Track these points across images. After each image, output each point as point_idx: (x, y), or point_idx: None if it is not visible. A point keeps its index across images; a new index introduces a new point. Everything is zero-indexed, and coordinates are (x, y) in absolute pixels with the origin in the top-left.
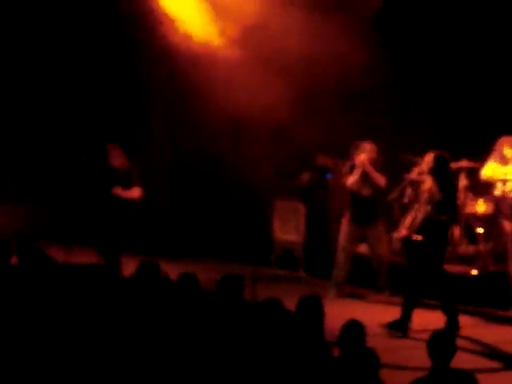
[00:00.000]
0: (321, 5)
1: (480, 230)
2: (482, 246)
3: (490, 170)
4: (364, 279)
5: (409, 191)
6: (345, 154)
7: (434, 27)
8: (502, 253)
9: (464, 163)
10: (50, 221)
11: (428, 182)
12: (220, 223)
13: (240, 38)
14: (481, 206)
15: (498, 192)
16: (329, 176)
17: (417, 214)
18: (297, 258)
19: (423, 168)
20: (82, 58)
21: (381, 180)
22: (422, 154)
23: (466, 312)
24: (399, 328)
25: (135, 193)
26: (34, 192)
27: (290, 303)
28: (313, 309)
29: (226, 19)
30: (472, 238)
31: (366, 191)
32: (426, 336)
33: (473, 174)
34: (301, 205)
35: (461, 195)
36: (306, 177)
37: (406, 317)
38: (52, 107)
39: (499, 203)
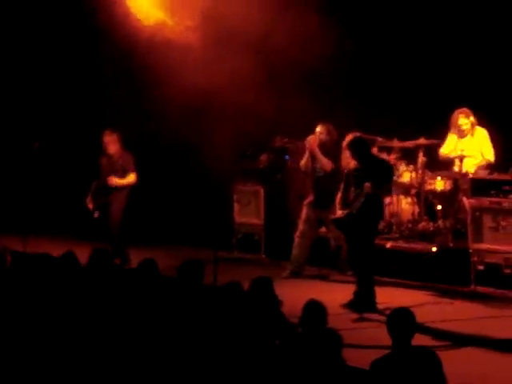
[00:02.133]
0: None
1: (439, 207)
2: (441, 223)
3: (448, 146)
4: (327, 260)
5: None
6: (302, 134)
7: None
8: (461, 229)
9: (422, 141)
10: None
11: (352, 163)
12: (179, 208)
13: (197, 21)
14: (439, 184)
15: (456, 169)
16: (287, 157)
17: (345, 194)
18: (257, 241)
19: (344, 149)
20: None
21: (326, 163)
22: (377, 133)
23: (426, 288)
24: (361, 306)
25: (130, 179)
26: None
27: None
28: (264, 290)
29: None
30: (432, 214)
31: (318, 173)
32: (375, 315)
33: (431, 151)
34: (260, 187)
35: (419, 173)
36: (264, 159)
37: (366, 293)
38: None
39: (458, 180)
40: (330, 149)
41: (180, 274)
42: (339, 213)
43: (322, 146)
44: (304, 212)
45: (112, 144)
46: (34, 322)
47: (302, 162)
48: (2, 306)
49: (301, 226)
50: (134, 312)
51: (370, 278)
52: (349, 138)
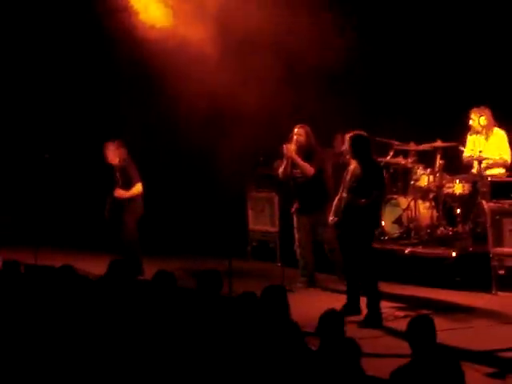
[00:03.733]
0: None
1: (458, 211)
2: (460, 227)
3: (468, 148)
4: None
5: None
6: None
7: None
8: (481, 233)
9: (438, 143)
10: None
11: (352, 164)
12: (194, 217)
13: (210, 27)
14: (458, 187)
15: (474, 171)
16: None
17: (342, 197)
18: (273, 249)
19: (345, 151)
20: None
21: (307, 168)
22: (396, 137)
23: (446, 294)
24: (352, 312)
25: (136, 189)
26: None
27: None
28: (277, 298)
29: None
30: (451, 219)
31: (300, 179)
32: (393, 322)
33: (448, 153)
34: (274, 194)
35: (437, 176)
36: (278, 166)
37: (372, 305)
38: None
39: (477, 183)
40: (310, 152)
41: (199, 285)
42: (330, 219)
43: (301, 150)
44: (295, 220)
45: (113, 154)
46: (44, 334)
47: (280, 170)
48: (13, 316)
49: (296, 235)
50: (150, 324)
51: (374, 288)
52: (350, 134)
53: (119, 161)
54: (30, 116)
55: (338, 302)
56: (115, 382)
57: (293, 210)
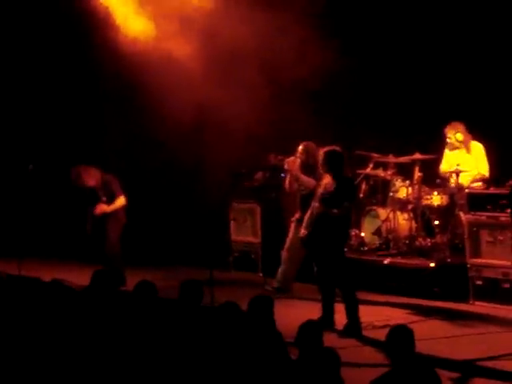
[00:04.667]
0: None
1: (436, 222)
2: (438, 238)
3: (446, 162)
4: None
5: (364, 187)
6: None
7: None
8: (458, 244)
9: (417, 156)
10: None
11: (325, 178)
12: (176, 228)
13: (193, 38)
14: (436, 199)
15: (452, 183)
16: (283, 175)
17: (313, 210)
18: (254, 260)
19: (319, 166)
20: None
21: (308, 182)
22: (375, 150)
23: (424, 305)
24: (326, 325)
25: (119, 202)
26: None
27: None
28: (264, 309)
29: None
30: (429, 230)
31: (303, 192)
32: (372, 332)
33: (426, 166)
34: (256, 205)
35: (416, 188)
36: (259, 177)
37: (351, 314)
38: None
39: (454, 195)
40: (310, 167)
41: (180, 295)
42: (302, 231)
43: (304, 165)
44: (292, 228)
45: (90, 179)
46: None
47: (286, 183)
48: None
49: (288, 243)
50: (131, 334)
51: (353, 297)
52: (325, 149)
53: (96, 182)
54: (14, 127)
55: (315, 312)
56: None
57: (293, 219)
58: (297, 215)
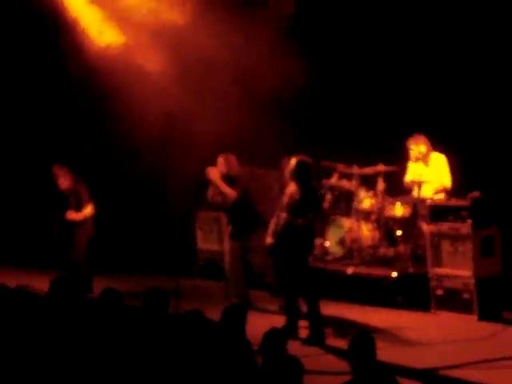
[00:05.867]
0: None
1: (399, 233)
2: (401, 248)
3: (410, 173)
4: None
5: (329, 197)
6: (263, 161)
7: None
8: (420, 254)
9: (380, 167)
10: None
11: (291, 187)
12: (142, 236)
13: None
14: (399, 209)
15: (414, 194)
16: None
17: (278, 220)
18: (220, 268)
19: (286, 173)
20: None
21: (228, 192)
22: (340, 160)
23: (387, 314)
24: (290, 333)
25: (87, 212)
26: None
27: (214, 313)
28: (237, 318)
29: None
30: (392, 240)
31: (228, 204)
32: (335, 340)
33: (390, 177)
34: (222, 214)
35: (379, 199)
36: (211, 192)
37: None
38: None
39: (416, 205)
40: (232, 178)
41: (145, 303)
42: (267, 240)
43: (227, 176)
44: (225, 243)
45: (63, 178)
46: None
47: (209, 193)
48: None
49: (226, 258)
50: (95, 342)
51: (316, 306)
52: (294, 159)
53: (69, 185)
54: None
55: (270, 320)
56: None
57: (226, 233)
58: (228, 229)
